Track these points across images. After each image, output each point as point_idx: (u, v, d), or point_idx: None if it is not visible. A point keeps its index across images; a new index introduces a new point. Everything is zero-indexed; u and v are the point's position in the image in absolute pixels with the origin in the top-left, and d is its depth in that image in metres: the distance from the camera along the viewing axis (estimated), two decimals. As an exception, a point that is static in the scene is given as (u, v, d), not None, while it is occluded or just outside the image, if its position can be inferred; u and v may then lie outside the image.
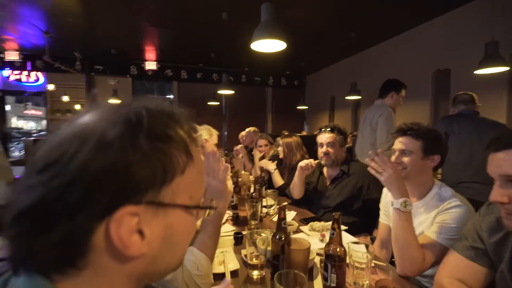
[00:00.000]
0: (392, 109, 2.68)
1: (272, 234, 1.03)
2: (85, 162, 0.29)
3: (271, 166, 2.41)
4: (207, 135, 2.26)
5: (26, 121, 8.40)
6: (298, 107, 6.35)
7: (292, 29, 3.90)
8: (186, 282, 0.75)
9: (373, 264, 1.11)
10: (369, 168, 1.15)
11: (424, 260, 1.01)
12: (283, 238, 1.00)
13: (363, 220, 1.73)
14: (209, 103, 6.25)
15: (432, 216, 1.13)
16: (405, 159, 1.18)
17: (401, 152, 1.20)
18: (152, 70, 6.73)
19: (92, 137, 0.31)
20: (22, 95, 6.75)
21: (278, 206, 1.91)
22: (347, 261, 0.97)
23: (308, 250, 0.92)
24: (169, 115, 0.37)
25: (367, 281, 0.94)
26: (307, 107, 6.75)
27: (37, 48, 5.48)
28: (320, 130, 1.90)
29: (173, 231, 0.37)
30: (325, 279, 0.92)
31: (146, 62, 6.64)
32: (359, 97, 4.53)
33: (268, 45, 1.91)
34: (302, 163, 1.85)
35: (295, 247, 0.95)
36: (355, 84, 4.39)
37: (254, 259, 1.05)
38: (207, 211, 0.44)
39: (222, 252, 1.20)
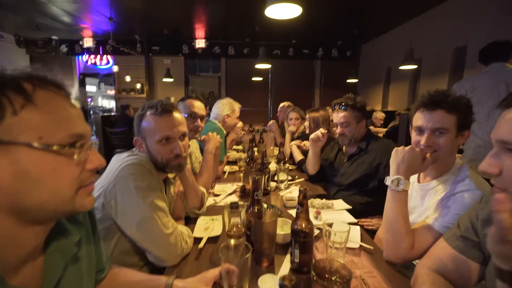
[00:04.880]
0: None
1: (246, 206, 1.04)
2: None
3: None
4: (229, 110, 2.28)
5: (108, 100, 9.78)
6: (347, 81, 5.85)
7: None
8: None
9: (357, 246, 1.03)
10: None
11: (413, 248, 0.89)
12: (255, 210, 1.00)
13: (379, 201, 1.55)
14: (253, 78, 6.24)
15: (441, 200, 0.97)
16: (440, 140, 0.95)
17: (432, 131, 0.95)
18: (202, 48, 6.99)
19: None
20: (97, 77, 7.86)
21: (290, 182, 1.88)
22: (326, 241, 0.92)
23: (273, 222, 0.90)
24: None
25: (342, 261, 0.88)
26: (357, 80, 6.16)
27: (106, 34, 6.20)
28: (334, 107, 1.73)
29: (25, 167, 0.39)
30: (291, 254, 0.89)
31: (196, 40, 6.91)
32: (415, 66, 3.90)
33: (283, 11, 1.77)
34: (313, 135, 1.75)
35: (266, 219, 0.94)
36: (411, 52, 3.76)
37: (234, 228, 1.08)
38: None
39: (212, 219, 1.26)
